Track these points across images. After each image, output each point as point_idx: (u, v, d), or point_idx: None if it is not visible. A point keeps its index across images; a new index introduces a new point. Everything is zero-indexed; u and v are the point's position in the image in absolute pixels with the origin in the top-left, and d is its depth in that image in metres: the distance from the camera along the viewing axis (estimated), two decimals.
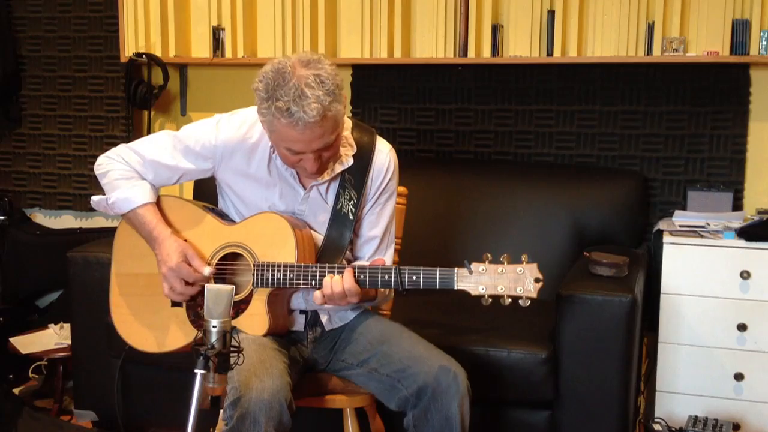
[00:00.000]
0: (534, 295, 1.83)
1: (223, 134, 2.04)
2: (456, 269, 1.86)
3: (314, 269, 1.94)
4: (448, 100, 3.26)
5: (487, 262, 1.85)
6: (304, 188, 2.06)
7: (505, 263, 1.84)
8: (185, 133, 2.08)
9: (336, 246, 2.05)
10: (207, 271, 1.98)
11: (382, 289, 2.03)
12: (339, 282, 1.89)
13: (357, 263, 2.06)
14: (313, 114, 1.79)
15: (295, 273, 1.94)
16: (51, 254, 3.47)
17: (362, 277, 1.91)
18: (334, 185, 2.07)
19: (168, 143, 2.08)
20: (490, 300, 1.85)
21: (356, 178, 2.06)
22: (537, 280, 1.83)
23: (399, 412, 2.00)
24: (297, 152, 1.88)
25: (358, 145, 2.07)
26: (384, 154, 2.11)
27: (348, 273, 1.89)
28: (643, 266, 2.66)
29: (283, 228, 1.97)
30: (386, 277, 1.91)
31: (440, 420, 1.90)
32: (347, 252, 2.11)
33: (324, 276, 1.93)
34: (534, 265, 1.83)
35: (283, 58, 1.88)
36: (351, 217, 2.06)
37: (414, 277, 1.89)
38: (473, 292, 1.85)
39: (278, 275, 1.95)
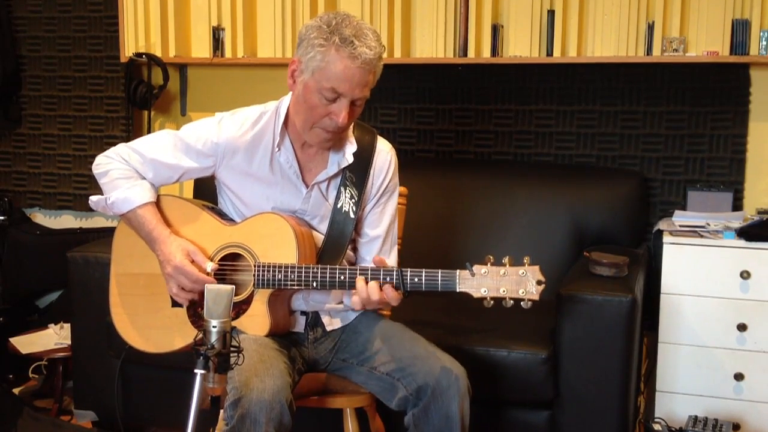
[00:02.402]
0: (536, 297, 1.83)
1: (225, 132, 2.04)
2: (458, 271, 1.86)
3: (315, 270, 1.94)
4: (448, 100, 3.25)
5: (489, 264, 1.85)
6: (307, 186, 2.06)
7: (507, 265, 1.84)
8: (186, 131, 2.08)
9: (337, 244, 2.05)
10: (210, 266, 1.98)
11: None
12: (376, 290, 1.89)
13: (360, 265, 2.06)
14: (373, 53, 1.85)
15: (296, 274, 1.94)
16: (51, 254, 3.47)
17: (364, 278, 1.91)
18: (335, 183, 2.07)
19: (169, 142, 2.08)
20: (492, 302, 1.85)
21: (357, 176, 2.07)
22: (539, 283, 1.83)
23: (399, 413, 2.00)
24: (335, 97, 1.88)
25: (359, 143, 2.07)
26: (385, 153, 2.12)
27: (388, 285, 1.90)
28: (643, 266, 2.66)
29: (283, 228, 1.97)
30: (388, 279, 1.91)
31: (440, 419, 1.90)
32: (349, 251, 2.11)
33: (325, 277, 1.93)
34: (536, 268, 1.83)
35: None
36: (352, 215, 2.06)
37: (416, 279, 1.89)
38: (475, 295, 1.85)
39: (279, 276, 1.95)
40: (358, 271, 1.92)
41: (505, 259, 1.85)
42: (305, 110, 1.94)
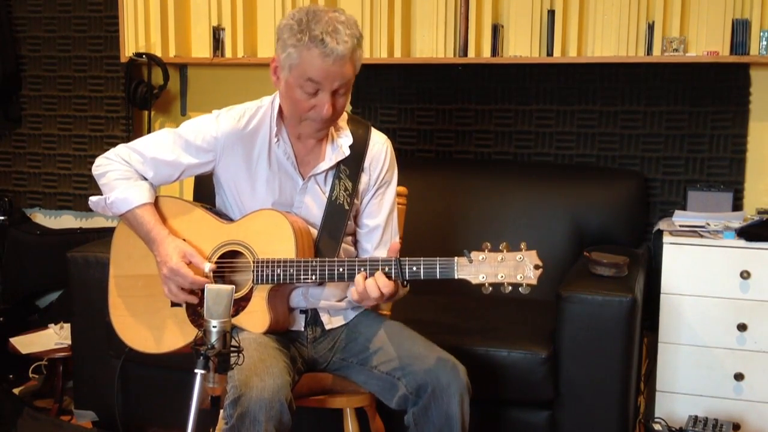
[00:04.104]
0: (534, 282, 1.82)
1: (224, 126, 2.05)
2: (456, 258, 1.86)
3: (314, 264, 1.94)
4: (448, 100, 3.25)
5: (486, 251, 1.84)
6: (303, 178, 2.06)
7: (505, 251, 1.84)
8: (185, 128, 2.10)
9: (332, 237, 2.06)
10: (207, 267, 1.98)
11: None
12: (374, 286, 1.88)
13: (358, 258, 2.06)
14: (343, 48, 1.86)
15: (294, 268, 1.95)
16: (51, 254, 3.47)
17: (362, 270, 1.91)
18: (331, 176, 2.09)
19: (168, 139, 2.09)
20: (490, 288, 1.84)
21: (351, 168, 2.08)
22: (537, 267, 1.82)
23: (399, 412, 2.00)
24: (315, 90, 1.90)
25: (354, 137, 2.09)
26: (380, 145, 2.13)
27: (380, 275, 1.89)
28: (643, 266, 2.66)
29: (281, 224, 1.98)
30: (386, 269, 1.90)
31: (441, 417, 1.90)
32: (349, 246, 2.13)
33: (324, 271, 1.93)
34: (533, 252, 1.83)
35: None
36: (346, 207, 2.06)
37: (414, 268, 1.89)
38: (474, 281, 1.85)
39: (278, 271, 1.95)
40: (356, 263, 1.92)
41: (502, 245, 1.84)
42: (291, 105, 1.97)
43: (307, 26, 1.86)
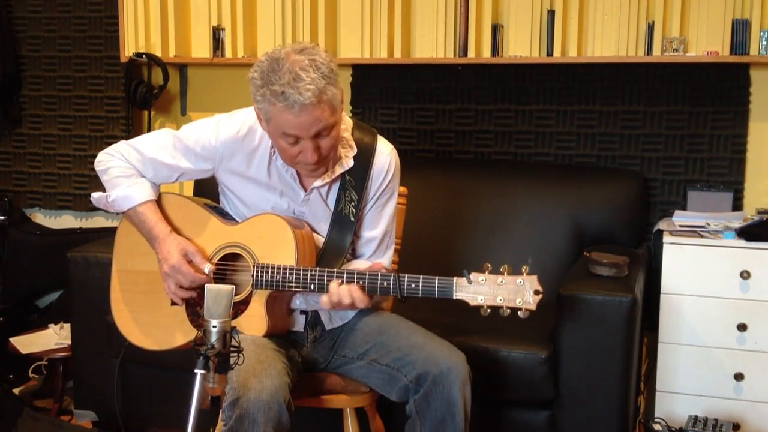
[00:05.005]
0: (533, 307, 1.82)
1: (223, 135, 2.04)
2: (455, 279, 1.86)
3: (313, 273, 1.94)
4: (448, 100, 3.25)
5: (486, 273, 1.84)
6: (305, 190, 2.06)
7: (505, 274, 1.83)
8: (185, 132, 2.09)
9: (337, 248, 2.05)
10: (207, 268, 1.98)
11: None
12: (347, 293, 1.89)
13: (357, 268, 2.06)
14: (308, 96, 1.79)
15: (294, 276, 1.94)
16: (51, 254, 3.47)
17: (360, 283, 1.91)
18: (335, 187, 2.07)
19: (168, 142, 2.09)
20: (489, 310, 1.84)
21: (357, 179, 2.06)
22: (536, 293, 1.82)
23: (399, 412, 2.00)
24: (295, 139, 1.86)
25: (359, 146, 2.07)
26: (385, 155, 2.11)
27: (356, 287, 1.90)
28: (643, 266, 2.66)
29: (283, 230, 1.97)
30: (385, 284, 1.91)
31: (442, 404, 1.90)
32: (348, 254, 2.12)
33: (323, 280, 1.93)
34: (534, 277, 1.83)
35: (278, 47, 1.88)
36: (352, 218, 2.06)
37: (413, 285, 1.89)
38: (472, 303, 1.85)
39: (277, 278, 1.95)
40: (356, 275, 1.92)
41: (503, 267, 1.84)
42: (280, 152, 1.96)
43: (268, 79, 1.81)
